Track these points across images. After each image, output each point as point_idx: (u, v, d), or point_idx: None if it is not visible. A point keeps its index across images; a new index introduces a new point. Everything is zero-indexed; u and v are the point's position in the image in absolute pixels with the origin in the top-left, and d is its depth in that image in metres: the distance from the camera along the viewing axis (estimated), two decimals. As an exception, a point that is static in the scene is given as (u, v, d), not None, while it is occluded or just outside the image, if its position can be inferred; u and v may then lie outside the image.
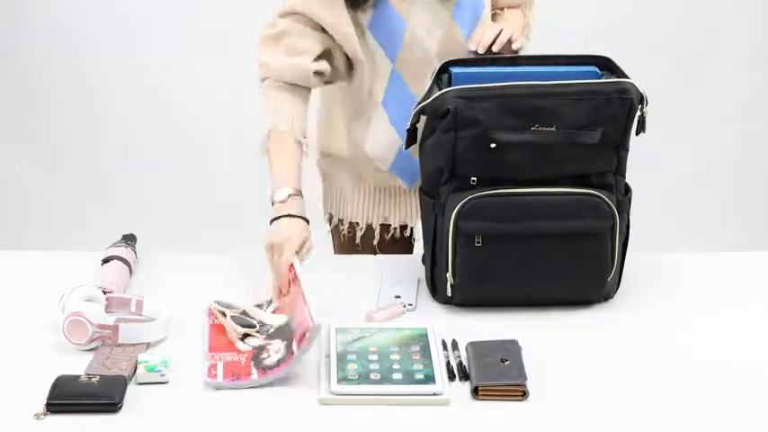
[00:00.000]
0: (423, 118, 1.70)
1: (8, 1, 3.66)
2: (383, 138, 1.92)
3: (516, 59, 1.79)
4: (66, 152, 3.78)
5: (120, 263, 1.83)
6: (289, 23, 1.85)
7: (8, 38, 3.68)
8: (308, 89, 1.89)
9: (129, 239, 1.92)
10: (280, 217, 1.76)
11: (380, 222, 2.02)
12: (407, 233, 2.02)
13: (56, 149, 3.79)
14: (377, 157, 1.94)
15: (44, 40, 3.67)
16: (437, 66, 1.75)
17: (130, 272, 1.85)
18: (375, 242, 2.01)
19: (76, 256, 1.93)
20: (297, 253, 1.71)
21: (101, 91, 3.72)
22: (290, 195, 1.78)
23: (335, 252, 2.11)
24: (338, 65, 1.89)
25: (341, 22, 1.83)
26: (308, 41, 1.84)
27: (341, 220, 2.05)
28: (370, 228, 2.02)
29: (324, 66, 1.86)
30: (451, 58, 1.77)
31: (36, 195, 3.78)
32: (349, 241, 2.04)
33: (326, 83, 1.91)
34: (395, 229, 2.01)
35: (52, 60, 3.70)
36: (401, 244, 2.03)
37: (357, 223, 2.03)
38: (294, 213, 1.77)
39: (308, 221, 1.78)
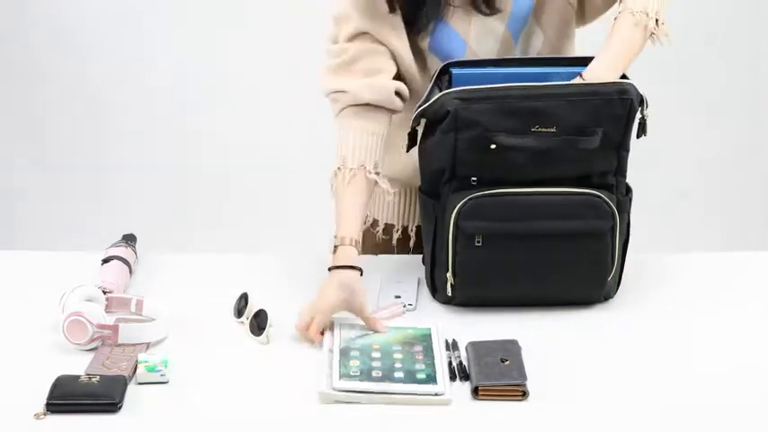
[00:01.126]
0: (422, 121, 1.70)
1: (8, 1, 3.66)
2: None
3: (517, 61, 1.79)
4: (66, 152, 3.78)
5: (120, 263, 1.83)
6: (359, 45, 1.77)
7: (8, 38, 3.68)
8: (389, 112, 1.79)
9: (129, 239, 1.92)
10: (332, 269, 1.69)
11: (417, 224, 1.98)
12: None
13: (56, 149, 3.79)
14: None
15: (44, 40, 3.67)
16: (438, 67, 1.75)
17: (130, 272, 1.85)
18: (411, 244, 1.99)
19: (76, 256, 1.93)
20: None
21: (101, 91, 3.72)
22: (339, 246, 1.70)
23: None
24: (410, 91, 1.82)
25: (405, 49, 1.79)
26: (384, 60, 1.78)
27: (376, 221, 2.02)
28: (405, 230, 2.00)
29: (402, 87, 1.79)
30: (452, 60, 1.78)
31: (36, 195, 3.78)
32: (384, 243, 2.02)
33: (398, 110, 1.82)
34: None
35: (52, 60, 3.70)
36: None
37: (392, 225, 2.00)
38: (341, 264, 1.68)
39: (359, 271, 1.69)
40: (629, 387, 1.51)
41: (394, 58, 1.79)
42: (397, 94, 1.78)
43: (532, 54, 1.85)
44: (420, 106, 1.69)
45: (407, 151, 1.74)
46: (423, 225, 1.80)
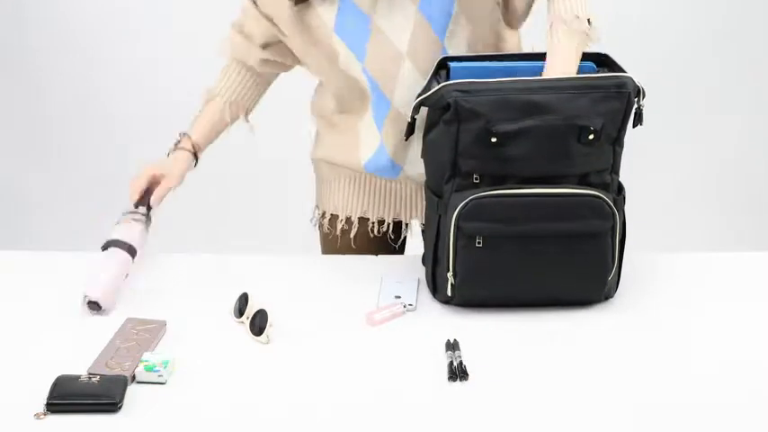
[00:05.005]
0: (423, 111, 1.70)
1: (8, 1, 3.66)
2: (372, 144, 1.91)
3: (516, 56, 1.80)
4: (67, 152, 3.79)
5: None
6: (248, 3, 1.92)
7: (8, 38, 3.68)
8: (260, 75, 2.02)
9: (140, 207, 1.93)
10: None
11: (359, 216, 2.01)
12: (384, 229, 2.01)
13: (56, 149, 3.79)
14: (362, 150, 1.94)
15: (44, 40, 3.68)
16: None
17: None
18: (352, 235, 2.00)
19: (76, 256, 1.93)
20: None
21: (101, 91, 3.73)
22: (183, 136, 2.00)
23: (323, 251, 2.10)
24: (290, 58, 1.96)
25: (282, 15, 1.86)
26: (259, 27, 1.92)
27: (324, 213, 2.04)
28: (349, 220, 2.01)
29: (270, 55, 1.94)
30: (450, 55, 1.78)
31: (37, 195, 3.79)
32: (328, 234, 2.04)
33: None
34: (372, 224, 2.00)
35: (52, 60, 3.70)
36: (382, 241, 2.02)
37: (337, 216, 2.02)
38: (182, 147, 1.97)
39: (194, 156, 1.99)
40: (630, 387, 1.51)
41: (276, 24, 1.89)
42: (265, 61, 1.97)
43: (461, 44, 1.84)
44: (419, 96, 1.69)
45: (406, 139, 1.74)
46: (426, 222, 1.80)
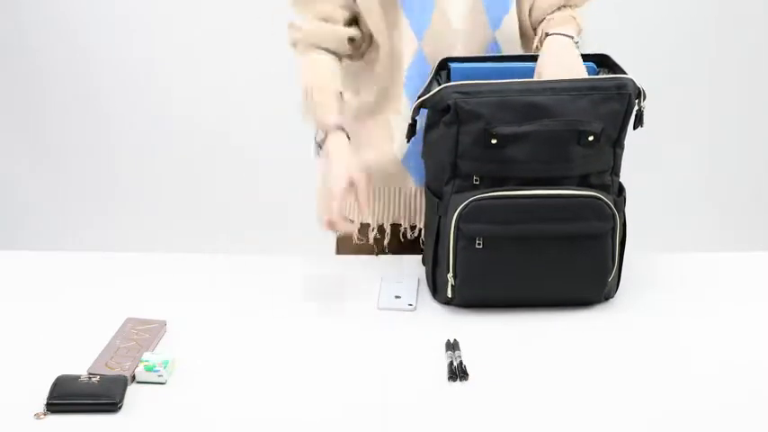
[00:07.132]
0: (423, 112, 1.70)
1: (8, 1, 3.66)
2: (402, 122, 1.87)
3: (516, 57, 1.80)
4: (67, 152, 3.79)
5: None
6: None
7: (8, 38, 3.68)
8: (340, 57, 1.88)
9: None
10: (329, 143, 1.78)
11: (391, 222, 1.99)
12: (416, 234, 2.00)
13: (56, 150, 3.79)
14: (396, 142, 1.91)
15: (44, 40, 3.68)
16: (436, 63, 1.76)
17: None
18: (386, 242, 2.00)
19: (77, 256, 1.93)
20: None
21: (101, 91, 3.73)
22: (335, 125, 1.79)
23: (338, 252, 2.10)
24: (363, 36, 1.89)
25: None
26: (337, 7, 1.85)
27: (351, 221, 2.02)
28: (381, 228, 2.00)
29: (355, 32, 1.86)
30: (450, 55, 1.78)
31: (36, 195, 3.79)
32: (358, 242, 2.03)
33: (353, 56, 1.91)
34: (405, 228, 1.99)
35: (52, 60, 3.70)
36: (414, 245, 2.01)
37: (368, 224, 2.00)
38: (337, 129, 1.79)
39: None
40: (630, 387, 1.51)
41: (353, 3, 1.84)
42: (351, 40, 1.86)
43: (508, 42, 1.86)
44: (419, 97, 1.69)
45: (408, 141, 1.74)
46: (426, 223, 1.80)
